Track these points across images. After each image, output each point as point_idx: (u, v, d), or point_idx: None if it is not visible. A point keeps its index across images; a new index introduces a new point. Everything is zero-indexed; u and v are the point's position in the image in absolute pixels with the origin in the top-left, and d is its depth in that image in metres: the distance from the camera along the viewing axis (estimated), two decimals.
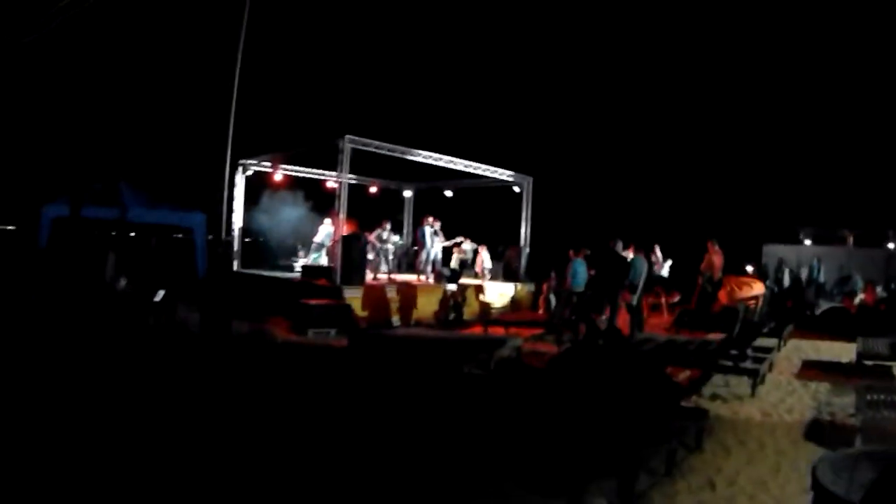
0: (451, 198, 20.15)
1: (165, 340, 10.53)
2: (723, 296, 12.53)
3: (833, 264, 21.97)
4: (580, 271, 12.81)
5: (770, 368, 9.39)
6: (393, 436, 6.06)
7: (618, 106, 32.91)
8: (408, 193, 21.62)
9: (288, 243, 18.22)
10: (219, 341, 9.95)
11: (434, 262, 16.57)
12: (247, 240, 17.86)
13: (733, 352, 9.05)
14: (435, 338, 10.31)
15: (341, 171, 14.09)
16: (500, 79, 33.85)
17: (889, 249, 24.06)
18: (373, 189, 19.98)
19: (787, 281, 19.44)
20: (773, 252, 23.88)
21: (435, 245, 16.53)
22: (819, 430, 6.81)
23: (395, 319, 14.52)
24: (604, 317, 12.65)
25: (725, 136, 31.00)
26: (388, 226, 16.72)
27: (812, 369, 9.91)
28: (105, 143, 24.76)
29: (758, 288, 12.71)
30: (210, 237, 11.24)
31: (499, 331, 12.49)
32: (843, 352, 11.35)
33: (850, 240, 24.91)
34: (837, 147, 29.02)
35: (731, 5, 33.13)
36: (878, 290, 18.74)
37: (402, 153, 15.46)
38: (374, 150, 14.71)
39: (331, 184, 17.70)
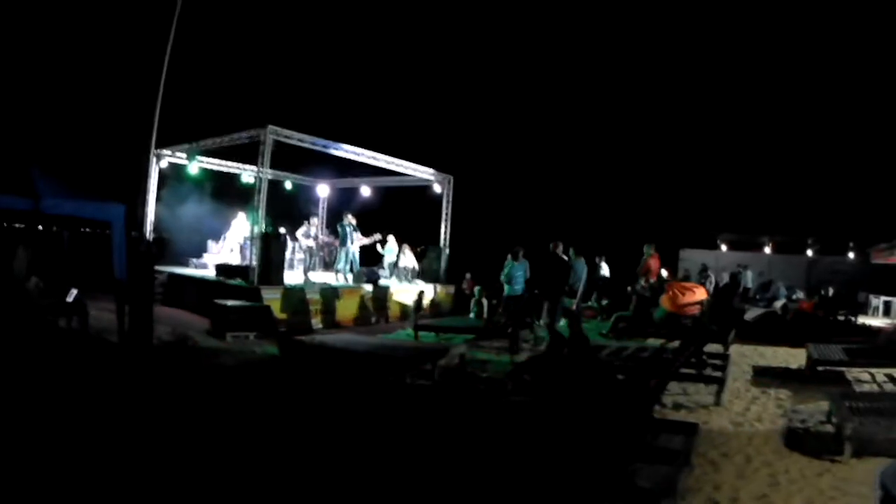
0: (367, 196, 19.16)
1: (78, 346, 9.26)
2: (665, 301, 12.12)
3: (753, 271, 22.29)
4: (518, 275, 12.10)
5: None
6: (340, 453, 5.11)
7: (538, 107, 32.66)
8: (323, 190, 20.49)
9: (196, 239, 16.77)
10: (139, 348, 8.68)
11: (352, 262, 15.50)
12: (161, 236, 16.26)
13: (692, 359, 8.54)
14: (370, 345, 9.32)
15: (262, 165, 12.92)
16: (420, 74, 32.73)
17: (808, 257, 24.66)
18: (288, 185, 18.73)
19: (709, 287, 19.43)
20: (691, 257, 24.05)
21: (354, 243, 15.47)
22: (798, 440, 6.37)
23: (316, 322, 13.46)
24: (541, 322, 12.10)
25: (644, 138, 31.22)
26: (316, 222, 15.36)
27: (765, 376, 9.52)
28: (14, 123, 22.31)
29: (700, 294, 12.36)
30: (133, 234, 9.86)
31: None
32: (790, 357, 11.17)
33: (769, 247, 25.43)
34: (757, 153, 29.69)
35: (659, 13, 33.31)
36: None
37: (325, 147, 14.40)
38: (296, 142, 13.61)
39: (246, 177, 16.44)
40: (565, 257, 12.33)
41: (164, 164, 16.27)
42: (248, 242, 14.78)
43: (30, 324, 9.05)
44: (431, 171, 17.50)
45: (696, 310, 12.15)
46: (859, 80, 27.22)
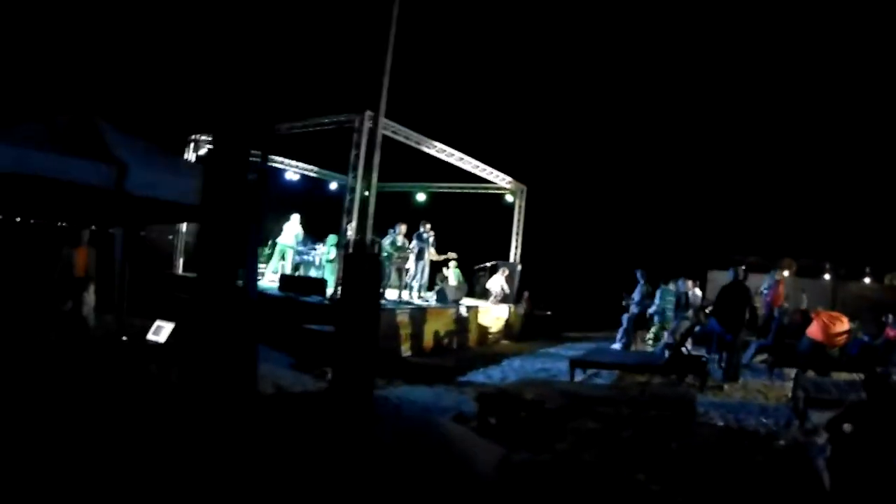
0: (422, 202, 17.16)
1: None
2: (816, 331, 10.90)
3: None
4: (669, 300, 10.64)
5: None
6: None
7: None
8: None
9: None
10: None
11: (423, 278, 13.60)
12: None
13: None
14: (571, 392, 7.51)
15: (357, 158, 10.89)
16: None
17: (830, 281, 24.09)
18: (333, 185, 16.50)
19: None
20: (718, 279, 23.10)
21: (427, 258, 13.53)
22: None
23: (405, 349, 11.52)
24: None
25: (667, 160, 30.17)
26: (404, 230, 13.14)
27: None
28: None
29: (846, 323, 11.23)
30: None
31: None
32: None
33: (788, 270, 24.78)
34: (778, 175, 29.15)
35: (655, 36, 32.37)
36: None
37: (417, 143, 12.45)
38: (390, 133, 11.59)
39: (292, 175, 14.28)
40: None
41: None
42: (310, 248, 12.68)
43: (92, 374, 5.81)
44: (509, 178, 15.71)
45: (844, 339, 11.10)
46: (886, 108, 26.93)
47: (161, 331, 6.86)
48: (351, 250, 10.87)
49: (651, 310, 12.89)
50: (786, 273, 13.44)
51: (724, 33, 31.48)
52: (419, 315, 11.86)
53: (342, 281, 6.99)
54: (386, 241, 12.67)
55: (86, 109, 5.54)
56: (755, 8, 30.30)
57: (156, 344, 6.70)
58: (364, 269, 6.27)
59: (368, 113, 10.79)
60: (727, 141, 29.87)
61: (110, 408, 5.22)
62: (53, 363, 5.13)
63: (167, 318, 7.15)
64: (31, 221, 11.09)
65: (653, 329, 13.15)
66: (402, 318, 11.50)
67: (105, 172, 4.94)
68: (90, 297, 6.30)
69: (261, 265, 14.00)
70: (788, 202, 28.20)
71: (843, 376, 10.04)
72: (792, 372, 10.75)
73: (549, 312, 17.04)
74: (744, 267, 11.11)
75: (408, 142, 12.18)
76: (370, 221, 11.31)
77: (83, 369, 5.25)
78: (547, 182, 22.09)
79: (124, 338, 6.85)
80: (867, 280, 23.77)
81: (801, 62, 29.81)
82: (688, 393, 8.04)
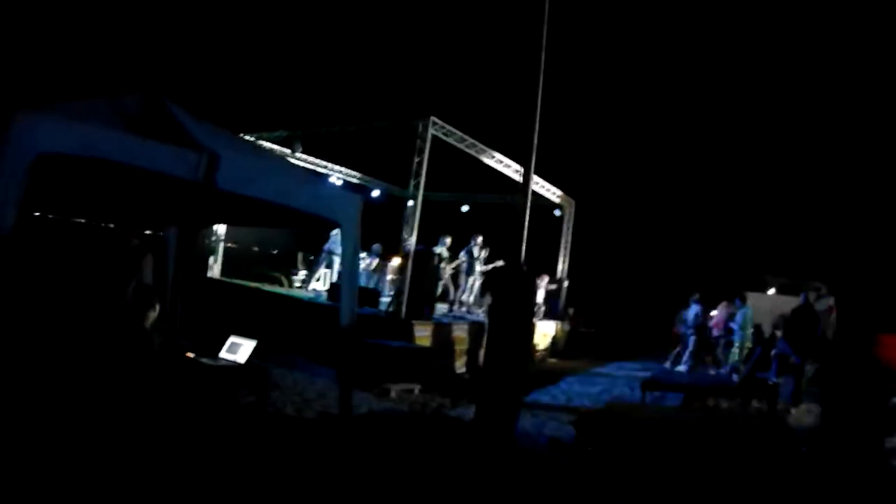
0: (466, 213, 16.63)
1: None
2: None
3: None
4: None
5: None
6: None
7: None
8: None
9: (280, 251, 13.90)
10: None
11: (475, 293, 13.09)
12: (230, 244, 13.18)
13: None
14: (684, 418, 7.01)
15: (419, 166, 10.41)
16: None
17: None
18: (375, 192, 15.92)
19: None
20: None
21: (477, 272, 13.00)
22: None
23: (459, 365, 11.02)
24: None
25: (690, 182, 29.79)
26: (449, 242, 12.46)
27: None
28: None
29: None
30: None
31: None
32: None
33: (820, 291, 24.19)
34: (810, 201, 28.78)
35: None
36: None
37: (479, 152, 11.95)
38: (453, 141, 11.13)
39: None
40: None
41: None
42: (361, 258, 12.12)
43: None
44: (559, 192, 15.20)
45: None
46: None
47: (238, 349, 6.01)
48: (411, 260, 10.42)
49: (736, 333, 12.51)
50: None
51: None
52: (476, 331, 11.35)
53: (492, 301, 6.40)
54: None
55: (152, 89, 4.60)
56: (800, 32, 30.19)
57: (234, 365, 5.88)
58: (519, 291, 5.68)
59: (433, 118, 10.32)
60: (761, 162, 29.56)
61: (215, 449, 4.69)
62: (137, 389, 4.22)
63: (217, 329, 6.43)
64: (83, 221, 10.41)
65: (734, 350, 12.76)
66: (459, 333, 11.02)
67: (192, 162, 3.98)
68: (155, 310, 5.00)
69: (302, 272, 13.53)
70: (818, 223, 27.79)
71: None
72: None
73: (592, 330, 16.57)
74: (815, 292, 10.68)
75: (469, 150, 11.68)
76: (415, 232, 10.85)
77: (165, 397, 4.44)
78: (593, 199, 21.74)
79: (190, 355, 5.85)
80: None
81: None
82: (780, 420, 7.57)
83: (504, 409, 5.80)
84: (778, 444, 6.04)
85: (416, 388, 8.91)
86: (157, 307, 4.63)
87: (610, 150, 28.54)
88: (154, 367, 4.46)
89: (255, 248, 13.42)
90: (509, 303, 5.76)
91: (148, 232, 8.17)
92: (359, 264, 5.80)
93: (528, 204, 6.69)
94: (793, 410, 9.59)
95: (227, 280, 12.17)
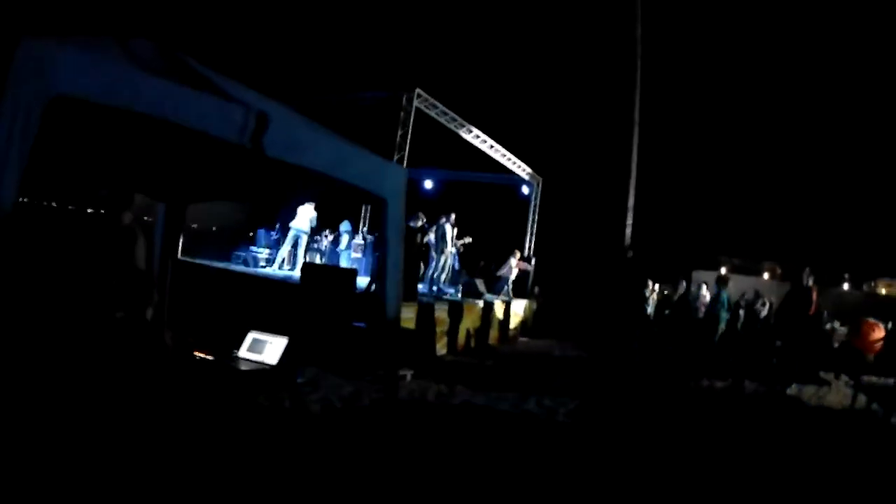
0: (428, 189, 16.09)
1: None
2: (861, 339, 10.67)
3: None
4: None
5: None
6: None
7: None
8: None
9: (238, 227, 13.05)
10: None
11: (451, 272, 12.65)
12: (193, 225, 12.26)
13: None
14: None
15: (403, 139, 9.87)
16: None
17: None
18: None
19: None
20: (700, 279, 22.95)
21: (448, 251, 12.52)
22: None
23: (440, 347, 10.60)
24: None
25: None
26: (454, 218, 12.00)
27: None
28: None
29: (882, 330, 11.06)
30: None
31: None
32: None
33: (768, 274, 24.81)
34: (761, 179, 29.37)
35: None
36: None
37: (458, 126, 11.45)
38: (434, 115, 10.60)
39: None
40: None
41: None
42: (323, 234, 11.55)
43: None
44: (529, 169, 14.84)
45: (880, 347, 10.87)
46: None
47: (265, 347, 4.97)
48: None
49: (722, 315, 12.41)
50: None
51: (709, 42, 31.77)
52: (457, 310, 10.93)
53: (609, 290, 5.91)
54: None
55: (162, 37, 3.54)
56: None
57: (263, 367, 4.83)
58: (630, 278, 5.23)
59: (419, 90, 9.77)
60: (716, 143, 30.04)
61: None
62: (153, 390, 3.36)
63: (201, 319, 5.50)
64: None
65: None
66: (440, 314, 10.55)
67: (239, 122, 3.08)
68: (153, 301, 3.98)
69: (267, 250, 12.77)
70: (771, 205, 28.49)
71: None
72: (828, 376, 10.94)
73: (555, 308, 16.40)
74: (809, 272, 10.68)
75: (449, 125, 11.19)
76: None
77: (185, 403, 3.61)
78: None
79: (198, 354, 5.00)
80: (846, 286, 24.07)
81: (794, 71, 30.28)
82: None
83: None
84: None
85: (409, 374, 8.42)
86: (156, 297, 3.79)
87: (576, 128, 28.52)
88: (174, 372, 3.63)
89: (214, 228, 12.49)
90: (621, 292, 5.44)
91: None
92: (401, 248, 5.03)
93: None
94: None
95: (191, 260, 11.30)
